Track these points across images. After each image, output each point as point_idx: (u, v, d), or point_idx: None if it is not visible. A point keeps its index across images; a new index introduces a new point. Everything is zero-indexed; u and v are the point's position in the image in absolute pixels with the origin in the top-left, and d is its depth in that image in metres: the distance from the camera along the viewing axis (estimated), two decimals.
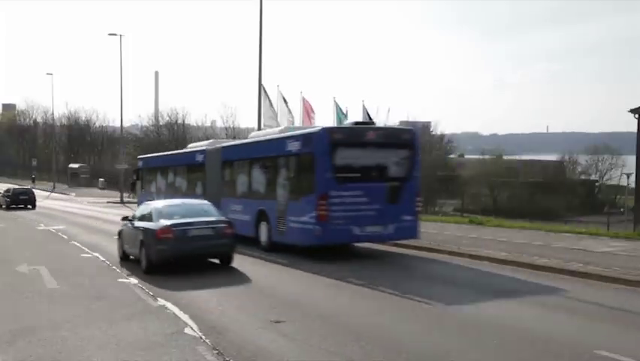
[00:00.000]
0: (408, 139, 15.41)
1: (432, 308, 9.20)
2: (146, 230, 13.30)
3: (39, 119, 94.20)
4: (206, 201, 15.50)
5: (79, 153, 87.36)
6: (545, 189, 57.17)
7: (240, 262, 13.97)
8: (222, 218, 13.94)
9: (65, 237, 21.14)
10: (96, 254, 16.14)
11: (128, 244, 14.59)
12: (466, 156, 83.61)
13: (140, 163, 29.51)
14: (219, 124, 75.02)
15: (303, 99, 36.37)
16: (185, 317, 8.76)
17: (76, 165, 78.64)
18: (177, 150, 34.85)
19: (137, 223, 14.03)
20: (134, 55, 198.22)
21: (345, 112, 37.38)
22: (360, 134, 14.83)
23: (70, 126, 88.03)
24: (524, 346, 7.16)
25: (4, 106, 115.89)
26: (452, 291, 10.62)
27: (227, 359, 6.80)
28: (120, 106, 54.67)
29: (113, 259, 15.15)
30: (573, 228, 22.31)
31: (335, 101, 36.34)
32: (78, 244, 18.51)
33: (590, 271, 11.86)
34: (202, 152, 21.38)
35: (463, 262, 14.09)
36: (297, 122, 36.48)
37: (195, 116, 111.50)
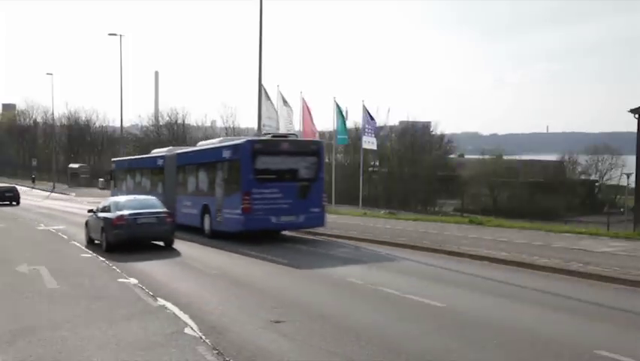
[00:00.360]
0: (315, 149, 19.20)
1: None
2: (105, 219, 16.96)
3: (39, 119, 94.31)
4: (153, 197, 19.47)
5: (79, 153, 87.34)
6: (545, 189, 57.18)
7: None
8: (164, 209, 17.60)
9: (65, 237, 21.12)
10: (96, 254, 16.13)
11: (93, 230, 18.22)
12: (466, 156, 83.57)
13: (113, 165, 33.83)
14: (219, 124, 75.24)
15: (303, 100, 36.36)
16: (185, 317, 8.76)
17: (76, 165, 78.61)
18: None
19: (99, 214, 17.63)
20: (134, 55, 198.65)
21: (345, 112, 37.38)
22: (277, 145, 18.65)
23: (70, 126, 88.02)
24: (524, 346, 7.16)
25: (4, 106, 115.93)
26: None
27: (227, 359, 6.80)
28: (120, 106, 54.75)
29: (114, 259, 15.15)
30: (573, 228, 22.29)
31: (335, 101, 36.34)
32: (78, 244, 18.50)
33: (590, 271, 11.85)
34: (162, 157, 25.53)
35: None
36: (297, 122, 36.49)
37: (195, 116, 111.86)
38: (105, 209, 17.57)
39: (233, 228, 18.39)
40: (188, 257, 15.55)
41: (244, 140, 19.13)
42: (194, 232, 20.23)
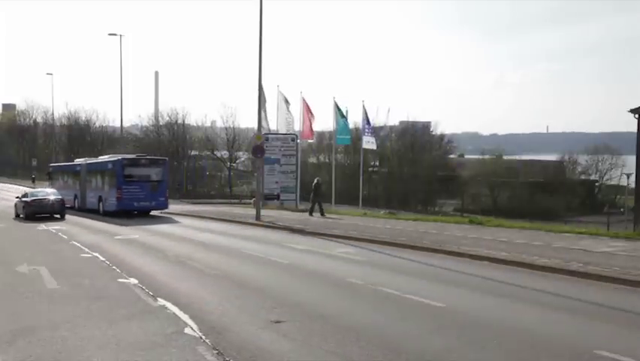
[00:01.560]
0: (162, 162, 32.19)
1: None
2: (25, 201, 30.14)
3: (39, 119, 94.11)
4: (54, 190, 33.94)
5: (79, 153, 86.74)
6: (545, 189, 57.18)
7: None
8: (60, 197, 31.03)
9: (65, 237, 21.13)
10: (96, 254, 16.13)
11: (18, 209, 30.79)
12: (466, 156, 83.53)
13: (50, 169, 45.08)
14: (219, 124, 75.02)
15: (303, 100, 36.32)
16: (185, 317, 8.75)
17: None
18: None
19: (22, 199, 30.57)
20: (134, 55, 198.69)
21: (345, 112, 37.33)
22: (137, 161, 31.68)
23: (70, 126, 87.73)
24: (524, 346, 7.16)
25: (4, 106, 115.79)
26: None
27: (227, 359, 6.80)
28: (120, 106, 55.18)
29: (114, 259, 15.16)
30: (573, 228, 22.26)
31: (335, 101, 36.32)
32: (78, 244, 18.50)
33: (590, 271, 11.84)
34: (79, 164, 37.44)
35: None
36: (297, 123, 36.42)
37: (195, 116, 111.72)
38: (25, 196, 30.88)
39: (113, 209, 30.29)
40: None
41: (119, 158, 31.76)
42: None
